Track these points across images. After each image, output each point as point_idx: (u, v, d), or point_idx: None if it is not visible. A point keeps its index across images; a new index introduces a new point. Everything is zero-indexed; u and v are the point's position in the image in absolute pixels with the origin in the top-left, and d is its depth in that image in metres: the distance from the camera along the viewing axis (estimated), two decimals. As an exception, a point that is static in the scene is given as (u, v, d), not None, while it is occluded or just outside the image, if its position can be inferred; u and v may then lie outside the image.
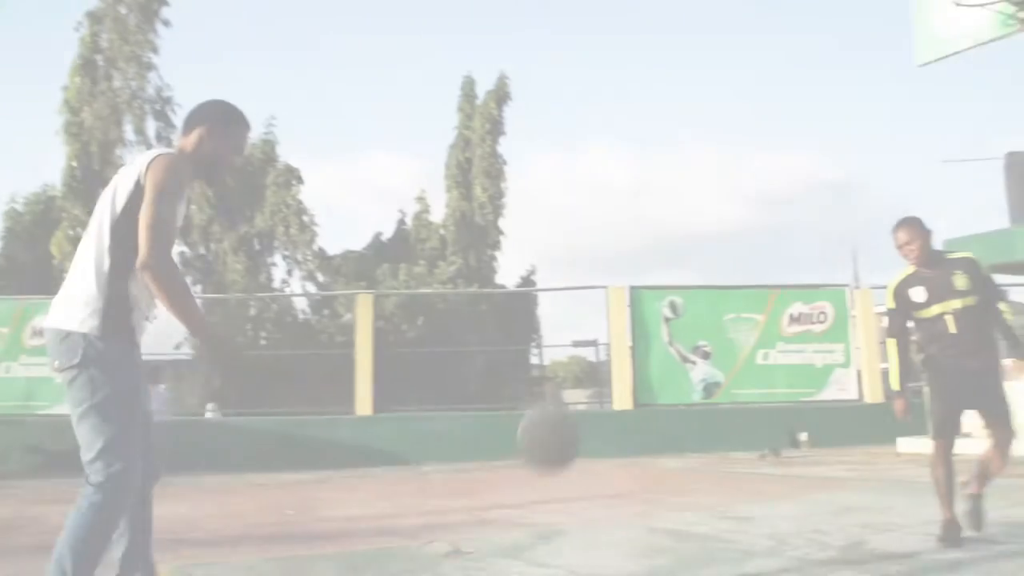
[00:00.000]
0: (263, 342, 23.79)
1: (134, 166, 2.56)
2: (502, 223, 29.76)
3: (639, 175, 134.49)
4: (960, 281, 4.21)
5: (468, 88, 30.21)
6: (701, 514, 5.63)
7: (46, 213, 26.54)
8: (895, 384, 4.45)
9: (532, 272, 31.24)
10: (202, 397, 22.78)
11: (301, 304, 24.18)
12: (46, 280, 24.45)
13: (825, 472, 8.84)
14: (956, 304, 4.20)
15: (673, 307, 13.65)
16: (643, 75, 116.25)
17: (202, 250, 26.87)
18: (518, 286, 30.44)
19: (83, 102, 23.71)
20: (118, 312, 2.51)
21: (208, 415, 13.82)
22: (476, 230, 28.58)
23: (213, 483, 9.64)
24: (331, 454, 12.66)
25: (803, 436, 12.69)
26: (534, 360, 31.96)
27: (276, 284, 26.72)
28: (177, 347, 23.73)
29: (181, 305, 2.46)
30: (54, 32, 68.35)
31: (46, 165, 60.45)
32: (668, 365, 13.49)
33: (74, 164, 23.40)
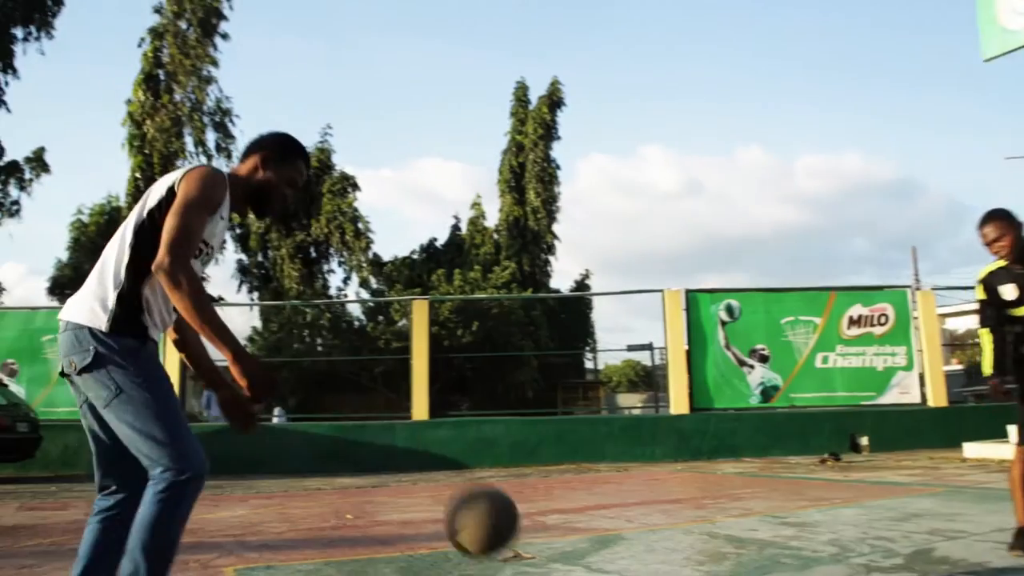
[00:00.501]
0: (319, 348, 24.14)
1: (172, 174, 2.51)
2: (556, 228, 29.87)
3: (691, 178, 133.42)
4: None
5: (521, 94, 30.37)
6: (761, 520, 5.55)
7: (110, 223, 27.28)
8: (987, 369, 4.23)
9: (586, 276, 31.29)
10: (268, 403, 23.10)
11: (356, 310, 24.45)
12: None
13: (888, 477, 8.65)
14: None
15: (730, 310, 13.51)
16: (691, 78, 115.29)
17: (260, 257, 27.40)
18: (572, 290, 30.46)
19: (146, 115, 24.37)
20: (129, 311, 2.43)
21: (275, 420, 14.02)
22: (529, 235, 28.69)
23: (272, 487, 9.78)
24: (387, 458, 12.77)
25: (864, 440, 12.46)
26: (588, 364, 32.01)
27: (332, 291, 27.14)
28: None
29: (199, 314, 2.29)
30: (120, 47, 70.47)
31: (111, 177, 62.06)
32: (725, 369, 13.35)
33: (137, 175, 24.08)
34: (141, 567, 2.26)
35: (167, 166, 24.22)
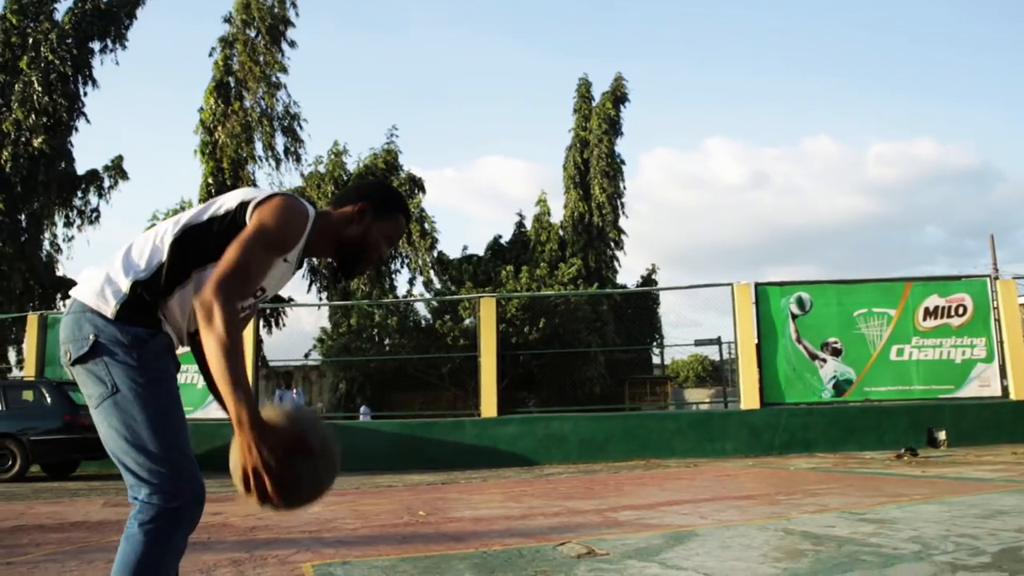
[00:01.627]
0: (387, 347, 24.43)
1: (251, 190, 2.23)
2: (622, 223, 29.72)
3: (757, 170, 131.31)
4: None
5: (584, 90, 30.33)
6: (838, 516, 5.45)
7: (184, 229, 28.01)
8: None
9: (653, 271, 31.10)
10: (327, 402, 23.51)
11: (423, 309, 24.70)
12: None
13: (969, 472, 8.41)
14: None
15: (800, 303, 13.29)
16: (757, 69, 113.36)
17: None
18: (639, 286, 30.28)
19: (217, 122, 24.99)
20: (143, 302, 2.09)
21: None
22: (595, 230, 28.60)
23: (344, 484, 9.94)
24: (456, 455, 12.87)
25: (942, 435, 12.13)
26: (655, 360, 31.76)
27: (400, 291, 27.45)
28: (306, 355, 24.73)
29: (226, 362, 1.89)
30: (194, 56, 72.39)
31: (185, 183, 63.75)
32: (796, 362, 13.14)
33: (209, 181, 24.69)
34: None
35: (238, 171, 24.81)
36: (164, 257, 2.10)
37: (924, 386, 12.99)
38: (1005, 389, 12.99)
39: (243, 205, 2.14)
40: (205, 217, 2.16)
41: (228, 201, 2.18)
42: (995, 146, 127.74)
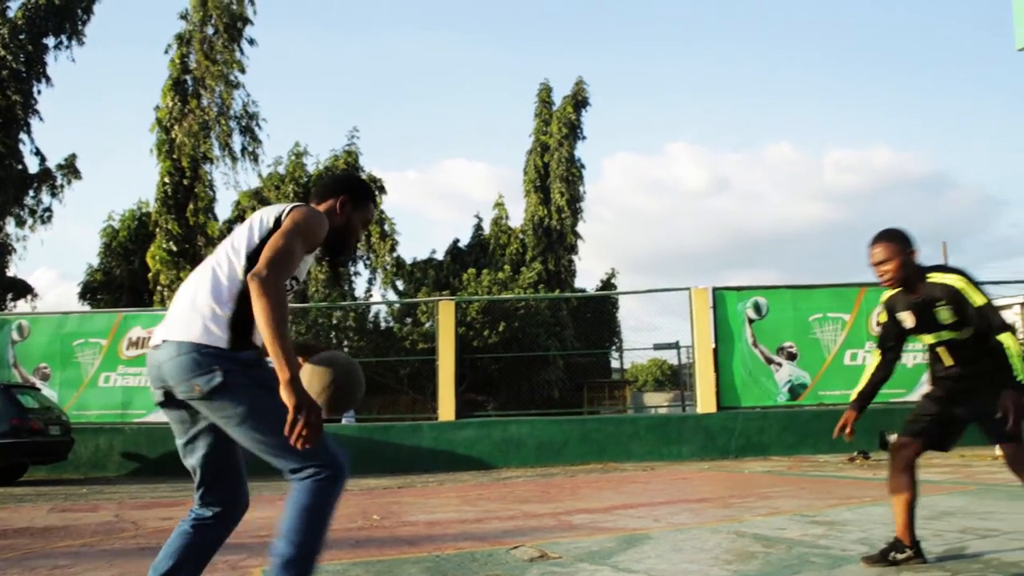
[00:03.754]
0: (345, 349, 24.23)
1: (278, 207, 2.59)
2: (581, 227, 29.81)
3: (718, 175, 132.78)
4: (944, 314, 3.64)
5: (545, 94, 30.36)
6: (790, 518, 5.52)
7: (140, 228, 27.63)
8: (852, 395, 4.03)
9: (612, 276, 31.19)
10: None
11: (382, 312, 24.54)
12: (140, 293, 25.49)
13: (919, 475, 8.54)
14: (947, 336, 3.70)
15: (757, 308, 13.43)
16: (718, 74, 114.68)
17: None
18: (598, 290, 30.38)
19: (174, 121, 24.61)
20: (244, 327, 2.44)
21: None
22: (554, 234, 28.65)
23: (302, 488, 9.83)
24: (414, 459, 12.82)
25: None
26: (615, 364, 31.90)
27: (358, 293, 27.25)
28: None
29: (276, 327, 2.26)
30: (149, 54, 71.30)
31: (141, 182, 62.81)
32: (752, 367, 13.27)
33: (166, 180, 24.29)
34: (304, 543, 2.38)
35: (196, 170, 24.44)
36: (241, 287, 2.45)
37: (877, 390, 13.16)
38: (954, 393, 13.21)
39: (278, 219, 2.52)
40: (257, 239, 2.51)
41: (265, 219, 2.56)
42: (948, 155, 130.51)
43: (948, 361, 3.79)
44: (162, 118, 24.84)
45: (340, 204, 2.73)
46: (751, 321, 13.39)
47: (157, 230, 24.43)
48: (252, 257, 2.46)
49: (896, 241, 3.72)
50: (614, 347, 29.48)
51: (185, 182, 24.23)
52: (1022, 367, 3.43)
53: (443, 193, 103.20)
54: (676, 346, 18.54)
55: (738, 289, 13.65)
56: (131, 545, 5.32)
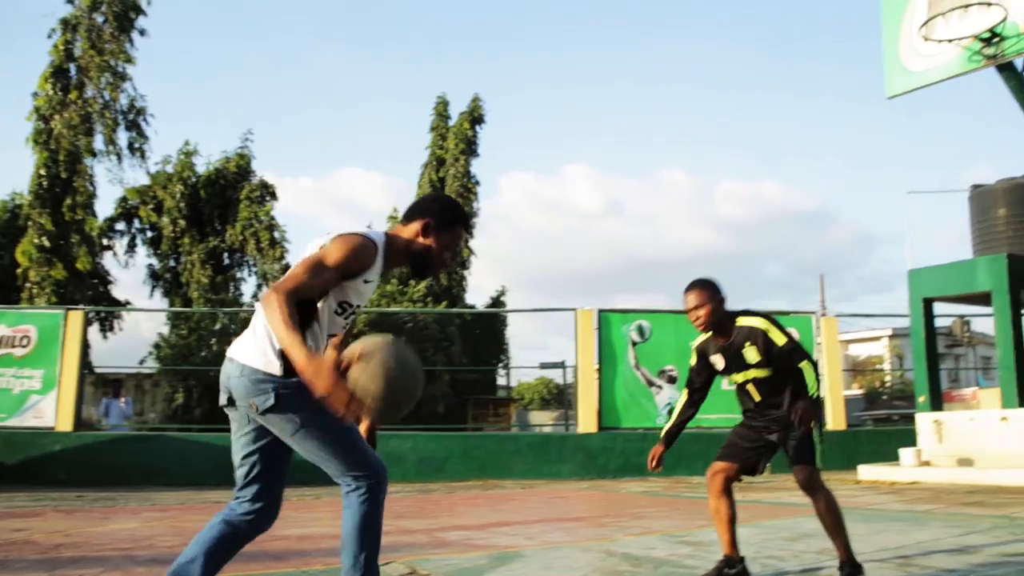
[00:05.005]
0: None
1: (331, 234, 2.71)
2: (474, 243, 29.88)
3: (613, 198, 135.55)
4: (751, 354, 3.96)
5: (442, 108, 30.37)
6: (660, 538, 5.63)
7: (12, 221, 26.15)
8: (662, 432, 4.28)
9: (502, 293, 31.31)
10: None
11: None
12: (8, 290, 24.11)
13: (786, 498, 8.87)
14: (754, 374, 4.03)
15: (640, 331, 13.70)
16: (616, 99, 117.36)
17: (172, 262, 26.64)
18: (488, 307, 30.46)
19: (53, 110, 23.42)
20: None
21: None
22: (447, 249, 28.65)
23: (169, 499, 9.50)
24: (292, 471, 12.49)
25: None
26: (501, 381, 32.00)
27: (245, 299, 26.53)
28: (141, 362, 23.49)
29: (279, 332, 2.43)
30: (28, 37, 67.82)
31: (15, 173, 59.67)
32: (634, 388, 13.51)
33: (42, 172, 23.05)
34: (362, 555, 2.69)
35: (75, 164, 23.31)
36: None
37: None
38: (821, 420, 13.79)
39: (324, 244, 2.67)
40: None
41: (316, 244, 2.71)
42: (831, 191, 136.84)
43: (756, 396, 4.09)
44: (40, 106, 23.62)
45: (423, 227, 2.81)
46: (634, 344, 13.65)
47: (29, 224, 23.19)
48: None
49: (707, 289, 4.03)
50: (501, 364, 29.59)
51: (63, 175, 23.10)
52: (816, 385, 3.87)
53: (337, 201, 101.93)
54: (562, 365, 18.74)
55: (623, 312, 13.91)
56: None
